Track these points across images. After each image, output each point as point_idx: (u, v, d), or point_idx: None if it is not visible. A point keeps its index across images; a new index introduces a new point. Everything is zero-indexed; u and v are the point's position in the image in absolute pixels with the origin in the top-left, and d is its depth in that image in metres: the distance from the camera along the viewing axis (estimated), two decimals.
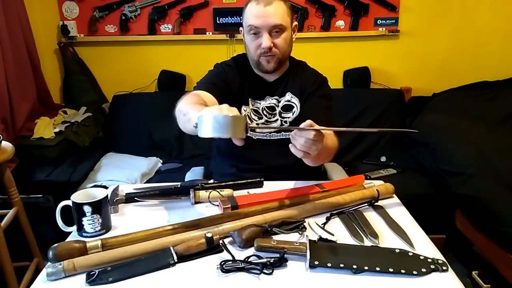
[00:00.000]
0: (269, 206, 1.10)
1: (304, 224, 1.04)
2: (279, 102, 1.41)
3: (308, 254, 0.88)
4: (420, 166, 2.28)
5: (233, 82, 1.40)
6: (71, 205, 1.02)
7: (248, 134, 1.41)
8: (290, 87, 1.42)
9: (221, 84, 1.36)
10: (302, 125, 0.96)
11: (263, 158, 1.41)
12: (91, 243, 0.93)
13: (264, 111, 1.41)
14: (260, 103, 1.41)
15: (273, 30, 1.29)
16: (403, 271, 0.87)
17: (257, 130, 1.41)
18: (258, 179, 1.28)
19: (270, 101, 1.41)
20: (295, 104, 1.41)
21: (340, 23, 2.68)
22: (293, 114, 1.41)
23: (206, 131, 0.86)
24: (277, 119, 1.41)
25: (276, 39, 1.31)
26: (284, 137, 1.41)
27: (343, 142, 2.52)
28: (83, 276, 0.87)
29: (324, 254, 0.90)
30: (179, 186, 1.23)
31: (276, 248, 0.92)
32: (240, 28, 1.41)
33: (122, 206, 1.17)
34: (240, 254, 0.93)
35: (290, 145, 1.00)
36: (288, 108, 1.41)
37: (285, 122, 1.41)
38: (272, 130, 1.40)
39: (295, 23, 1.39)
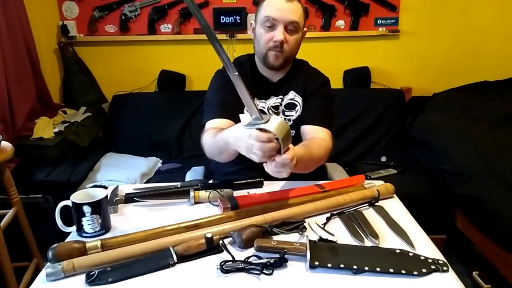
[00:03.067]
0: (269, 206, 1.09)
1: (304, 224, 1.03)
2: (282, 100, 1.42)
3: (308, 255, 0.88)
4: (420, 166, 2.28)
5: None
6: (70, 205, 1.01)
7: None
8: (294, 85, 1.43)
9: (229, 99, 1.34)
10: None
11: None
12: (90, 244, 0.93)
13: (270, 111, 1.42)
14: (265, 103, 1.42)
15: (289, 26, 1.31)
16: (403, 271, 0.87)
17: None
18: (258, 179, 1.28)
19: (275, 100, 1.42)
20: (298, 103, 1.42)
21: (340, 23, 2.67)
22: (296, 112, 1.42)
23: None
24: (280, 117, 1.41)
25: (289, 36, 1.32)
26: None
27: (343, 142, 2.52)
28: (83, 276, 0.87)
29: (324, 255, 0.90)
30: (179, 186, 1.23)
31: (276, 249, 0.91)
32: (252, 22, 1.41)
33: (122, 206, 1.17)
34: (240, 254, 0.93)
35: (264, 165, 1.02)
36: (291, 106, 1.42)
37: (288, 120, 1.41)
38: None
39: (305, 29, 1.40)
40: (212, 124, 1.33)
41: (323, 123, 1.37)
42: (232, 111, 1.31)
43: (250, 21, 1.42)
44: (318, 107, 1.40)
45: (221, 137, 1.14)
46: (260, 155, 0.96)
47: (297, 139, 1.40)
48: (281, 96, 1.42)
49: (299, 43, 1.37)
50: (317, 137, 1.33)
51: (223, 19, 2.60)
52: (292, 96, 1.42)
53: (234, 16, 2.59)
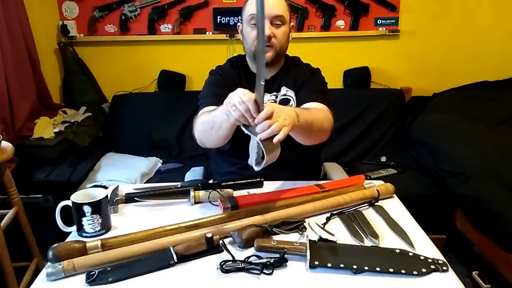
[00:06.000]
0: (269, 206, 1.10)
1: (304, 224, 1.03)
2: (276, 97, 1.43)
3: (308, 254, 0.88)
4: (420, 166, 2.28)
5: (232, 85, 1.41)
6: (70, 205, 1.01)
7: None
8: (285, 81, 1.44)
9: (223, 92, 1.35)
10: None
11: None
12: (91, 243, 0.93)
13: None
14: None
15: (274, 20, 1.32)
16: (403, 271, 0.87)
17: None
18: (258, 179, 1.28)
19: (269, 97, 1.43)
20: (291, 97, 1.43)
21: (340, 23, 2.67)
22: (290, 107, 1.41)
23: None
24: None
25: (276, 30, 1.33)
26: None
27: (343, 142, 2.53)
28: (83, 276, 0.87)
29: (324, 254, 0.90)
30: (179, 186, 1.23)
31: (276, 248, 0.92)
32: (239, 24, 1.43)
33: (122, 206, 1.17)
34: (240, 254, 0.93)
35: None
36: (285, 102, 1.43)
37: None
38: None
39: (292, 23, 1.42)
40: (206, 109, 1.32)
41: (320, 100, 1.33)
42: None
43: (238, 23, 1.44)
44: (312, 90, 1.38)
45: (216, 109, 1.16)
46: (240, 111, 0.98)
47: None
48: (274, 93, 1.43)
49: (287, 36, 1.38)
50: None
51: (223, 19, 2.61)
52: (284, 91, 1.43)
53: (234, 16, 2.59)
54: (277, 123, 0.96)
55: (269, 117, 0.96)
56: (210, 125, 1.20)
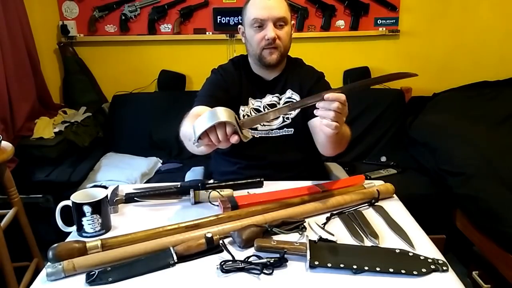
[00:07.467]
0: (269, 206, 1.09)
1: (304, 224, 1.03)
2: (280, 99, 1.43)
3: (308, 254, 0.88)
4: (420, 166, 2.28)
5: (232, 85, 1.41)
6: (70, 205, 1.01)
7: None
8: (290, 84, 1.43)
9: (219, 93, 1.37)
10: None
11: (266, 155, 1.41)
12: (91, 243, 0.93)
13: (266, 109, 1.42)
14: (261, 102, 1.42)
15: (277, 22, 1.32)
16: (403, 271, 0.87)
17: (259, 128, 1.41)
18: (258, 179, 1.28)
19: (271, 98, 1.42)
20: (296, 101, 1.42)
21: (340, 23, 2.68)
22: (294, 110, 1.42)
23: (198, 129, 0.91)
24: (278, 116, 1.42)
25: (279, 31, 1.33)
26: (284, 133, 1.41)
27: None
28: (83, 276, 0.87)
29: (324, 254, 0.90)
30: (179, 186, 1.23)
31: (276, 248, 0.92)
32: (239, 27, 1.43)
33: (122, 206, 1.17)
34: (240, 254, 0.93)
35: (320, 124, 0.99)
36: None
37: (287, 118, 1.41)
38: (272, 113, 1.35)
39: (293, 21, 1.42)
40: (196, 111, 1.30)
41: None
42: (220, 105, 1.30)
43: (239, 25, 1.44)
44: None
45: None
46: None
47: (297, 137, 1.41)
48: (277, 95, 1.43)
49: (290, 36, 1.38)
50: None
51: (223, 19, 2.61)
52: (290, 94, 1.43)
53: (234, 16, 2.59)
54: (338, 114, 0.96)
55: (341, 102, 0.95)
56: (189, 138, 1.14)
